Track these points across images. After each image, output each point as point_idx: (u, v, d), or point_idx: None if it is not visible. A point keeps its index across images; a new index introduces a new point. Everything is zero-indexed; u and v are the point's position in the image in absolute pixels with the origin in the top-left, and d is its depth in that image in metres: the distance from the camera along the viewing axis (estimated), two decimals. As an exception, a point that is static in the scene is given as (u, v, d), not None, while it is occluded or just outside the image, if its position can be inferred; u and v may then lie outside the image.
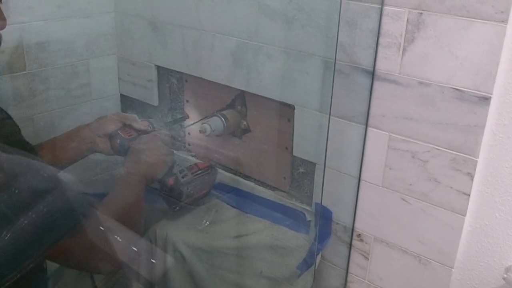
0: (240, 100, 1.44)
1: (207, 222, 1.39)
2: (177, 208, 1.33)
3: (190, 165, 1.35)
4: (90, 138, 1.26)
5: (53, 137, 1.25)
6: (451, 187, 1.07)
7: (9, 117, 1.04)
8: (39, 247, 0.75)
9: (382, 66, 1.09)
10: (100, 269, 1.30)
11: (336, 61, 1.15)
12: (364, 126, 1.16)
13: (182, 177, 1.28)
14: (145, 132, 1.31)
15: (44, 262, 0.98)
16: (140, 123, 1.32)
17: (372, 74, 1.11)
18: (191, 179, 1.30)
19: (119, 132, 1.28)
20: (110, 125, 1.28)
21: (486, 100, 0.97)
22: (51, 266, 1.04)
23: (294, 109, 1.29)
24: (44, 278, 1.00)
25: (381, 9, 1.05)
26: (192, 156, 1.59)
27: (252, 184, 1.47)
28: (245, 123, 1.45)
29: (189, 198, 1.31)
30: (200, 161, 1.44)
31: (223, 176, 1.51)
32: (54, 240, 0.77)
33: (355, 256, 1.28)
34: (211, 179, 1.38)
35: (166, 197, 1.30)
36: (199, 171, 1.34)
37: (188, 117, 1.58)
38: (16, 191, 0.71)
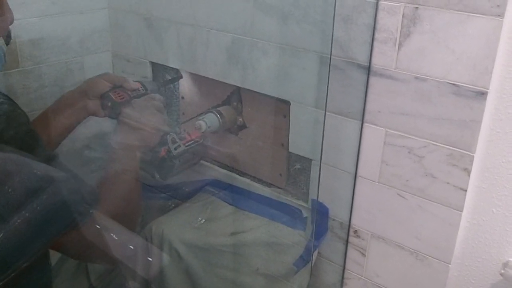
0: (235, 97, 1.43)
1: (203, 220, 1.38)
2: (173, 204, 1.33)
3: (182, 134, 1.32)
4: (82, 102, 1.22)
5: (45, 109, 1.21)
6: (448, 183, 1.06)
7: (19, 108, 1.03)
8: (33, 245, 0.75)
9: (378, 61, 1.08)
10: (97, 263, 1.29)
11: (332, 57, 1.14)
12: (360, 122, 1.15)
13: (175, 149, 1.25)
14: (137, 93, 1.26)
15: (48, 259, 0.97)
16: (132, 84, 1.27)
17: (368, 69, 1.10)
18: (183, 151, 1.27)
19: (110, 94, 1.22)
20: (100, 86, 1.23)
21: (482, 95, 0.97)
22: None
23: (289, 105, 1.28)
24: (47, 275, 0.99)
25: (377, 4, 1.04)
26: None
27: (248, 180, 1.46)
28: (240, 119, 1.44)
29: (179, 168, 1.28)
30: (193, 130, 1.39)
31: (218, 172, 1.50)
32: (48, 238, 0.77)
33: (352, 253, 1.27)
34: (202, 149, 1.35)
35: (154, 166, 1.26)
36: (191, 141, 1.31)
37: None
38: (10, 190, 0.71)
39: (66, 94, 1.24)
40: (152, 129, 1.19)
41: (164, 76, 1.58)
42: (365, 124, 1.15)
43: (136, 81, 1.29)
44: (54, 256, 0.96)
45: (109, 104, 1.21)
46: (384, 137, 1.12)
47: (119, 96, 1.22)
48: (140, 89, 1.27)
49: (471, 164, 1.02)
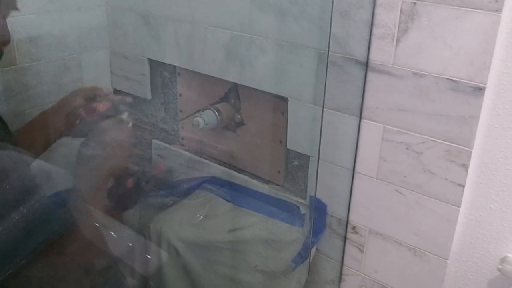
0: (233, 93, 1.43)
1: (201, 217, 1.38)
2: (171, 202, 1.33)
3: (151, 166, 1.30)
4: (53, 123, 1.16)
5: (20, 127, 1.16)
6: (446, 179, 1.06)
7: None
8: (31, 243, 0.75)
9: (375, 57, 1.08)
10: (95, 265, 1.28)
11: (330, 53, 1.14)
12: (358, 118, 1.15)
13: (146, 182, 1.20)
14: (109, 113, 1.16)
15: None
16: (106, 94, 1.19)
17: (365, 65, 1.10)
18: (150, 187, 1.26)
19: (80, 112, 1.15)
20: (71, 104, 1.16)
21: (480, 90, 0.97)
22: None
23: (287, 101, 1.28)
24: None
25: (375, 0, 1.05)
26: (185, 150, 1.58)
27: (246, 177, 1.46)
28: (238, 116, 1.44)
29: (146, 201, 1.27)
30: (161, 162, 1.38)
31: (217, 170, 1.50)
32: (46, 236, 0.77)
33: (350, 249, 1.27)
34: (170, 180, 1.35)
35: (120, 197, 1.19)
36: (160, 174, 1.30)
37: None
38: (7, 187, 0.71)
39: (38, 116, 1.18)
40: (119, 157, 1.08)
41: (161, 73, 1.58)
42: (363, 120, 1.15)
43: (115, 96, 1.23)
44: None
45: (78, 122, 1.16)
46: (382, 133, 1.13)
47: (89, 114, 1.16)
48: (112, 108, 1.20)
49: (469, 160, 1.02)
